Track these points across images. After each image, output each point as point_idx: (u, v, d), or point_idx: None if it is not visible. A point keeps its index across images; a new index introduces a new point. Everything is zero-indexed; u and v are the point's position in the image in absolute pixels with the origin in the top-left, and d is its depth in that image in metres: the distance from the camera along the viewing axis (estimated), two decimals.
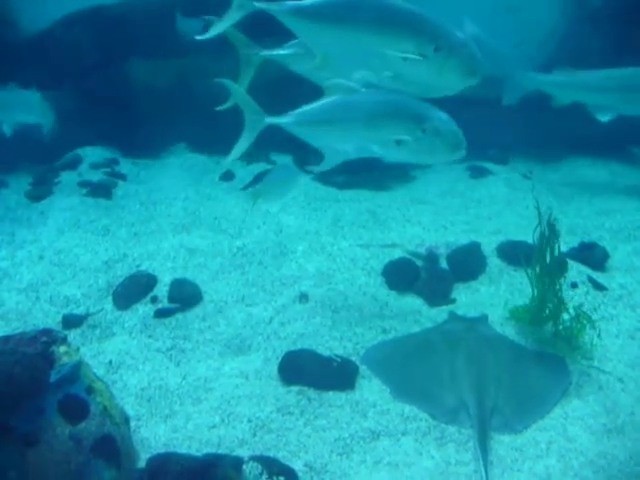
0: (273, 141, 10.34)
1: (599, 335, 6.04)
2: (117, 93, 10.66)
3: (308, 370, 5.77)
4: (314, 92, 6.07)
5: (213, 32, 5.89)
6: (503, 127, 10.02)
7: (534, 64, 9.73)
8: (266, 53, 6.33)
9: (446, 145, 5.56)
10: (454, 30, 5.43)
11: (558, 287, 6.15)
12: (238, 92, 6.15)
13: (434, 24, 5.40)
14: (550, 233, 6.12)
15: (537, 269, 6.26)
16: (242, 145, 6.21)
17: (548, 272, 6.23)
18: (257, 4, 5.70)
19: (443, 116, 5.58)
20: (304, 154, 10.06)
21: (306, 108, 5.96)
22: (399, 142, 5.56)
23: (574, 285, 6.99)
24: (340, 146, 5.91)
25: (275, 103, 10.48)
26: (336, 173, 9.57)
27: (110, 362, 6.13)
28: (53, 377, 4.44)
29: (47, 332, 4.71)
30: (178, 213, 8.87)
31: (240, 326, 6.58)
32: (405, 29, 5.37)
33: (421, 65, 5.39)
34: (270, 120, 6.05)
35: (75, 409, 4.47)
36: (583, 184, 10.02)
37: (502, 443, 5.12)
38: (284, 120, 6.03)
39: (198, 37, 5.91)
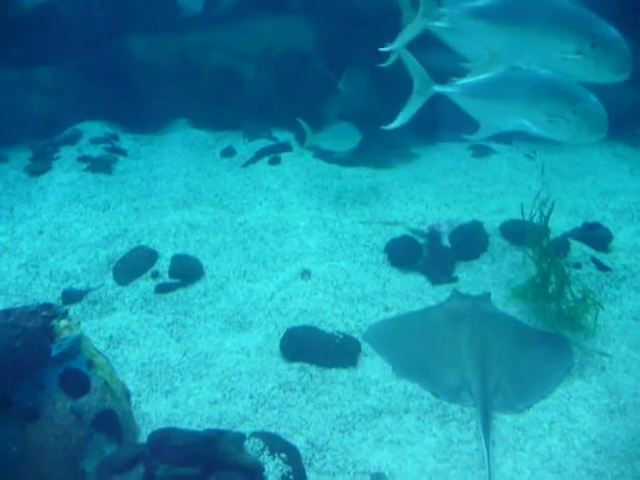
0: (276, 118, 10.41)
1: (597, 317, 6.04)
2: (118, 68, 10.57)
3: (310, 347, 5.75)
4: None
5: (399, 43, 6.39)
6: None
7: None
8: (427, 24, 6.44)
9: (591, 128, 5.72)
10: (608, 25, 5.57)
11: (561, 267, 6.13)
12: (409, 59, 6.40)
13: (591, 20, 5.58)
14: (544, 213, 6.28)
15: (538, 249, 6.26)
16: (410, 110, 6.59)
17: (549, 252, 6.22)
18: (441, 9, 6.04)
19: (594, 99, 5.71)
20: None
21: (472, 80, 6.15)
22: (551, 120, 5.75)
23: (577, 265, 6.96)
24: (496, 119, 6.15)
25: (280, 79, 10.52)
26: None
27: (110, 337, 6.10)
28: (54, 351, 4.41)
29: (48, 306, 4.68)
30: (179, 189, 8.81)
31: (241, 302, 6.55)
32: (566, 29, 5.54)
33: (579, 62, 5.57)
34: (437, 88, 6.32)
35: (76, 383, 4.44)
36: (587, 165, 9.96)
37: (504, 422, 5.10)
38: (450, 90, 6.24)
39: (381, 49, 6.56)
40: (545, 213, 6.34)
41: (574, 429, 5.06)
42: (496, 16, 5.81)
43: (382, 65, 6.92)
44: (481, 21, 5.87)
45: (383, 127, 6.80)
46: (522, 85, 5.88)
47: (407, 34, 6.36)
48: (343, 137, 8.37)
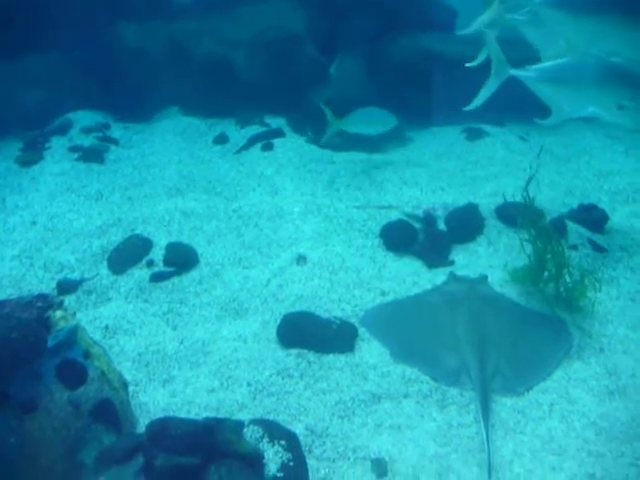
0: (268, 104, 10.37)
1: (595, 298, 6.04)
2: (108, 56, 10.50)
3: (307, 333, 5.72)
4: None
5: (479, 25, 6.80)
6: (499, 88, 9.88)
7: None
8: (508, 16, 6.82)
9: None
10: None
11: (560, 249, 6.10)
12: (491, 42, 6.62)
13: None
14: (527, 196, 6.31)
15: (534, 231, 6.25)
16: (487, 91, 6.83)
17: (546, 234, 6.21)
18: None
19: None
20: (301, 117, 10.05)
21: (546, 65, 6.34)
22: (621, 106, 5.96)
23: (574, 247, 6.94)
24: (568, 104, 6.32)
25: (272, 65, 10.47)
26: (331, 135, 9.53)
27: (106, 327, 6.06)
28: (50, 342, 4.37)
29: (43, 297, 4.63)
30: (172, 176, 8.76)
31: (237, 289, 6.52)
32: None
33: None
34: (513, 72, 6.53)
35: (73, 374, 4.41)
36: (581, 146, 9.94)
37: (504, 405, 5.09)
38: (525, 73, 6.45)
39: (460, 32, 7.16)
40: (531, 195, 6.37)
41: (574, 411, 5.05)
42: (577, 7, 5.97)
43: (468, 65, 7.27)
44: (561, 11, 6.08)
45: (463, 109, 6.99)
46: (594, 71, 5.99)
47: (486, 18, 6.72)
48: (374, 121, 8.57)
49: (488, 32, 6.62)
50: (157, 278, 6.70)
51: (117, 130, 10.40)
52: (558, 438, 4.82)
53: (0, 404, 4.09)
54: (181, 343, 5.86)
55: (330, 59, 10.70)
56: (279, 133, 9.81)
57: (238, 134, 10.05)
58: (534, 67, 6.35)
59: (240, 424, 4.39)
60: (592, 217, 7.42)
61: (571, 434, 4.86)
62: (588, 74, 6.00)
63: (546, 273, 6.16)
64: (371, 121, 8.73)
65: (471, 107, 6.82)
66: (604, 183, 8.63)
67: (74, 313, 4.87)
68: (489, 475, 4.49)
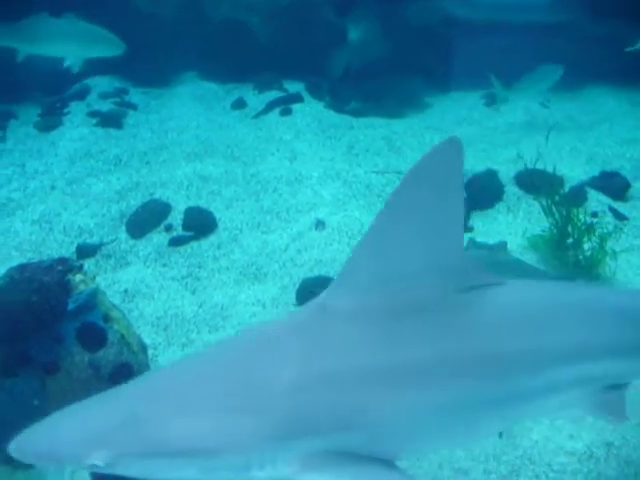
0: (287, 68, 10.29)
1: (616, 266, 5.98)
2: (122, 20, 10.42)
3: None
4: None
5: None
6: (520, 54, 9.80)
7: None
8: None
9: None
10: None
11: (580, 217, 6.06)
12: None
13: None
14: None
15: (556, 198, 6.20)
16: None
17: (566, 201, 6.16)
18: None
19: None
20: (319, 82, 9.99)
21: None
22: None
23: (594, 214, 6.86)
24: None
25: (289, 29, 10.38)
26: (350, 100, 9.47)
27: (125, 291, 6.09)
28: (70, 305, 4.39)
29: (63, 261, 4.65)
30: (190, 141, 8.73)
31: (256, 254, 6.52)
32: None
33: None
34: None
35: (93, 337, 4.43)
36: (603, 113, 9.81)
37: None
38: None
39: None
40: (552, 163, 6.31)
41: None
42: None
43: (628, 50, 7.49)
44: None
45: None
46: None
47: None
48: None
49: None
50: (176, 242, 6.71)
51: (135, 95, 10.39)
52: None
53: (22, 366, 4.13)
54: (200, 307, 5.88)
55: (347, 22, 10.61)
56: (298, 98, 9.74)
57: (256, 99, 10.00)
58: None
59: None
60: (613, 184, 7.35)
61: None
62: None
63: (567, 240, 6.11)
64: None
65: None
66: (626, 150, 8.52)
67: (94, 277, 4.88)
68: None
